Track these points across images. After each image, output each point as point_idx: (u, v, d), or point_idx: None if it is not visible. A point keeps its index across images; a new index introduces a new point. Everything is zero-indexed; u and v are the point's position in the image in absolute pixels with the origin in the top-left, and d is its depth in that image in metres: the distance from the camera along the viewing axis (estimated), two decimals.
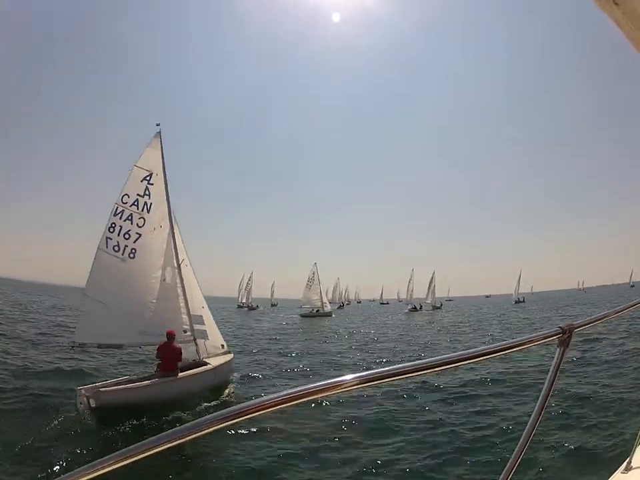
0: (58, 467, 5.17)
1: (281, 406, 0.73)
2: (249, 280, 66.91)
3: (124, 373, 9.88)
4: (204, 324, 9.83)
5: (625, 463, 1.69)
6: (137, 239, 9.06)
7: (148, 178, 9.45)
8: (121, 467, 0.65)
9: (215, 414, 0.69)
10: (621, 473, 1.66)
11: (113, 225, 9.02)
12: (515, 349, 1.04)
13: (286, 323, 34.02)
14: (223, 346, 10.19)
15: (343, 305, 77.96)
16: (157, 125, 10.02)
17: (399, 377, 0.84)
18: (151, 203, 9.36)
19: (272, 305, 74.80)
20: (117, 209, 9.07)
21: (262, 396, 0.74)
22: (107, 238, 8.94)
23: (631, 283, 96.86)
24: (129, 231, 9.07)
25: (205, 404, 7.98)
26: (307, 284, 46.76)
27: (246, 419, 0.71)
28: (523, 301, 65.09)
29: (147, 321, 8.68)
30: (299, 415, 6.95)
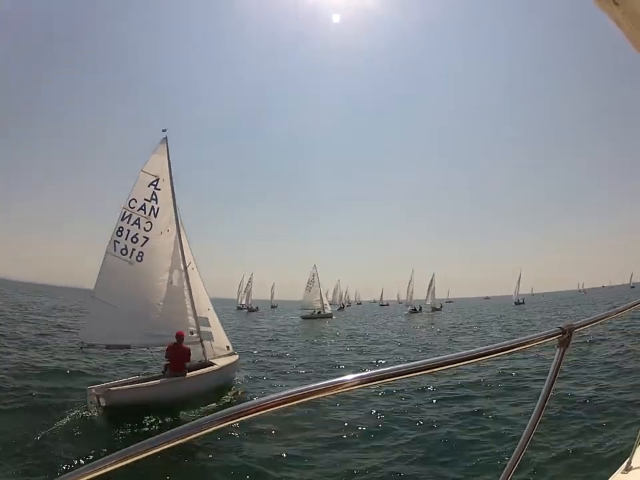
0: (59, 467, 5.19)
1: (281, 406, 0.73)
2: (249, 281, 67.01)
3: (121, 374, 10.01)
4: (210, 326, 10.02)
5: (625, 463, 1.69)
6: (144, 243, 9.25)
7: (155, 183, 9.64)
8: (122, 467, 0.65)
9: (215, 414, 0.70)
10: (621, 473, 1.66)
11: (121, 229, 9.20)
12: (515, 349, 1.04)
13: (286, 325, 34.01)
14: (228, 347, 10.38)
15: (344, 307, 77.97)
16: (163, 130, 10.20)
17: (400, 377, 0.84)
18: (158, 208, 9.56)
19: (272, 307, 74.83)
20: (124, 214, 9.25)
21: (262, 396, 0.74)
22: (114, 241, 9.12)
23: (632, 284, 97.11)
24: (137, 234, 9.24)
25: (212, 404, 8.14)
26: (307, 286, 46.89)
27: (246, 419, 0.71)
28: (523, 303, 65.10)
29: (155, 322, 8.86)
30: (299, 415, 7.02)
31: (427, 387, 9.15)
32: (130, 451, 0.66)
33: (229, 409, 0.71)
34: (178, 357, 8.29)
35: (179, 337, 8.44)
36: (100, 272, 8.97)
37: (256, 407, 0.71)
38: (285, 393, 0.73)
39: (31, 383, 8.76)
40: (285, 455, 5.76)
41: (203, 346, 9.52)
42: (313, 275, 47.01)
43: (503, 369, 10.55)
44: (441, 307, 58.72)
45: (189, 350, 8.55)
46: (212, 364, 9.30)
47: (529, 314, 38.24)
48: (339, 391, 0.79)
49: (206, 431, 0.69)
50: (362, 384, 0.80)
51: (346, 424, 6.96)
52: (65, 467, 5.16)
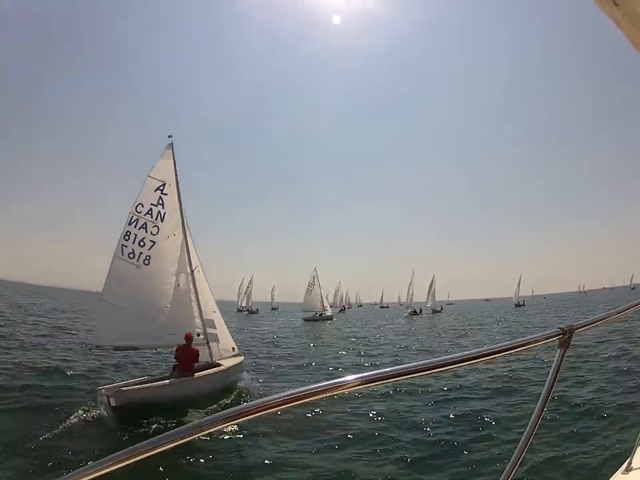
0: (60, 467, 5.20)
1: (283, 407, 0.73)
2: (249, 283, 67.17)
3: (121, 375, 10.13)
4: (215, 328, 10.22)
5: (625, 464, 1.69)
6: (151, 247, 9.43)
7: (161, 188, 9.83)
8: (124, 466, 0.66)
9: (217, 414, 0.70)
10: (621, 473, 1.65)
11: (128, 233, 9.38)
12: (515, 350, 1.03)
13: (287, 327, 34.09)
14: (233, 349, 10.59)
15: (344, 309, 78.13)
16: (169, 136, 10.40)
17: (401, 378, 0.84)
18: (165, 212, 9.74)
19: (272, 309, 74.92)
20: (131, 218, 9.44)
21: (263, 396, 0.75)
22: (122, 245, 9.30)
23: (632, 286, 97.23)
24: (144, 238, 9.42)
25: (218, 403, 8.30)
26: (308, 289, 47.10)
27: (247, 419, 0.71)
28: (523, 305, 65.14)
29: (162, 324, 9.04)
30: (299, 415, 7.10)
31: (427, 388, 9.21)
32: (132, 450, 0.66)
33: (230, 409, 0.72)
34: (187, 357, 8.49)
35: (188, 338, 8.65)
36: (108, 275, 9.16)
37: (257, 408, 0.71)
38: (287, 393, 0.73)
39: (31, 383, 8.88)
40: (284, 456, 5.82)
41: (209, 347, 9.71)
42: (314, 278, 47.18)
43: (503, 370, 10.62)
44: (441, 309, 58.66)
45: (197, 351, 8.75)
46: (219, 365, 9.48)
47: (529, 316, 38.33)
48: (340, 392, 0.79)
49: (208, 431, 0.69)
50: (363, 385, 0.80)
51: (345, 425, 6.98)
52: (66, 467, 5.13)
